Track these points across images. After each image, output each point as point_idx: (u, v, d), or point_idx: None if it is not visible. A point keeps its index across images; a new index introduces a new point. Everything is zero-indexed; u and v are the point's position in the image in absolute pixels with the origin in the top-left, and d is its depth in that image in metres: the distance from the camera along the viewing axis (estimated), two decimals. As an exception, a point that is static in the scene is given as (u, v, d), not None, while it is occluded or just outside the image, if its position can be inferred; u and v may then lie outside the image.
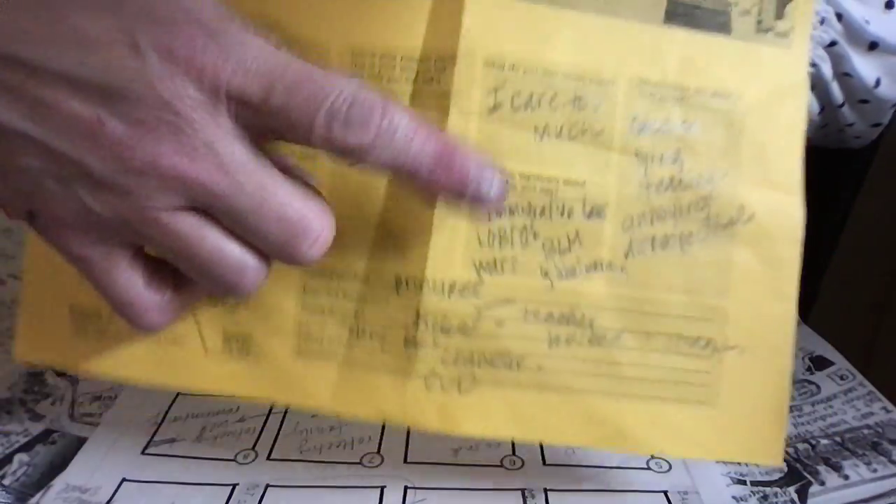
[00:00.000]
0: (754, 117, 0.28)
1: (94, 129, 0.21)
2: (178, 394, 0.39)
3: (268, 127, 0.22)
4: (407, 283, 0.28)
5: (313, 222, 0.23)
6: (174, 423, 0.37)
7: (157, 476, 0.33)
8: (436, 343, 0.28)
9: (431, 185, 0.23)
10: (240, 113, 0.22)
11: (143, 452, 0.35)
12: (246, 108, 0.21)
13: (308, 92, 0.21)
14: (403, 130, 0.22)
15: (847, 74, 0.41)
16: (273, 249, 0.23)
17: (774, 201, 0.28)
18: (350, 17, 0.28)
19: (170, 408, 0.38)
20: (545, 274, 0.28)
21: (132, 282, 0.24)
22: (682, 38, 0.28)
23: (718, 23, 0.29)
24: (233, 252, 0.23)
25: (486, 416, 0.28)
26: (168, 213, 0.22)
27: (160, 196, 0.22)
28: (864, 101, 0.42)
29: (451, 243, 0.28)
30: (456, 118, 0.27)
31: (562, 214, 0.28)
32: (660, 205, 0.28)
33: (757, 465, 0.34)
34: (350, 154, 0.22)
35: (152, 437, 0.36)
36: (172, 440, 0.36)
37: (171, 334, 0.29)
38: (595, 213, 0.28)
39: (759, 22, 0.29)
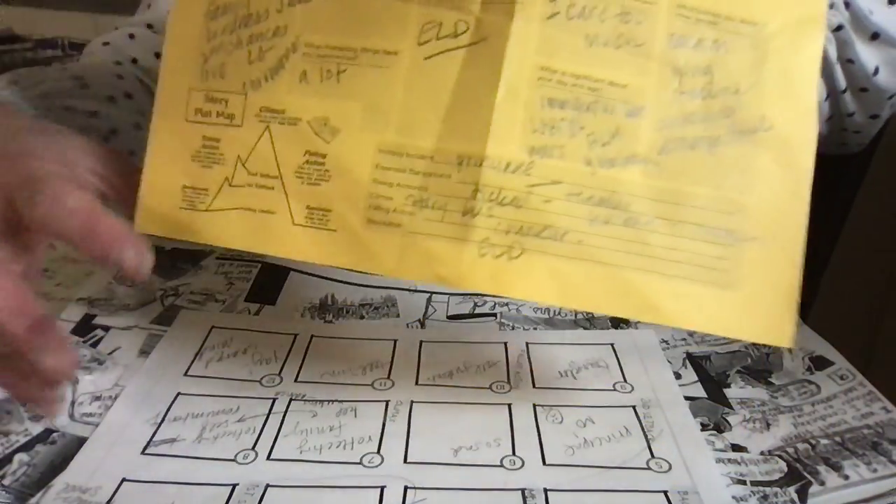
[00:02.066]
0: (777, 43, 0.32)
1: None
2: (178, 393, 0.39)
3: None
4: (468, 160, 0.32)
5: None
6: (174, 423, 0.37)
7: (157, 476, 0.33)
8: (491, 214, 0.32)
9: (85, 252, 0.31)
10: None
11: (143, 452, 0.35)
12: None
13: None
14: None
15: (850, 60, 0.44)
16: None
17: (792, 114, 0.32)
18: None
19: (170, 408, 0.38)
20: (588, 162, 0.32)
21: None
22: None
23: None
24: None
25: (532, 281, 0.32)
26: None
27: None
28: (864, 90, 0.45)
29: (508, 127, 0.32)
30: (520, 22, 0.32)
31: (605, 111, 0.32)
32: (691, 110, 0.32)
33: (767, 347, 0.37)
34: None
35: (152, 437, 0.36)
36: (172, 440, 0.36)
37: (264, 206, 0.34)
38: (634, 112, 0.32)
39: None
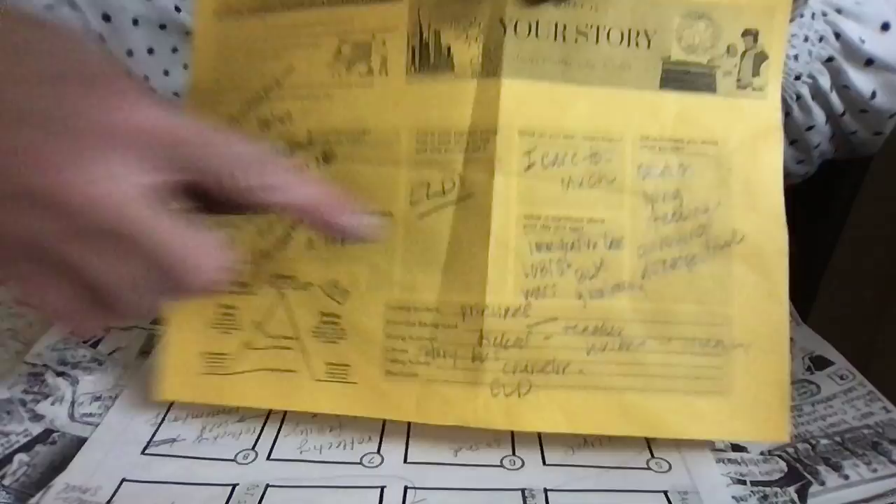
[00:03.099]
0: (739, 158, 0.35)
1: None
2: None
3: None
4: (471, 310, 0.34)
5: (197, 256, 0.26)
6: (174, 423, 0.37)
7: (157, 476, 0.33)
8: (497, 357, 0.34)
9: (314, 223, 0.28)
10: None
11: (143, 452, 0.35)
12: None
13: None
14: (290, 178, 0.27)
15: (845, 87, 0.45)
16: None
17: (761, 224, 0.34)
18: (415, 105, 0.35)
19: (170, 408, 0.38)
20: (579, 296, 0.34)
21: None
22: (676, 99, 0.35)
23: (705, 83, 0.35)
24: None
25: (542, 414, 0.34)
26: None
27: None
28: (864, 111, 0.46)
29: (503, 275, 0.34)
30: (500, 178, 0.34)
31: (588, 247, 0.34)
32: (666, 234, 0.34)
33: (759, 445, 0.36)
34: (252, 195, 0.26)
35: (152, 437, 0.36)
36: (172, 440, 0.36)
37: (285, 365, 0.36)
38: (615, 244, 0.34)
39: (739, 80, 0.35)
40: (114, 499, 0.32)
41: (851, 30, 0.43)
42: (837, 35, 0.43)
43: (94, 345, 0.43)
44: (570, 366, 0.34)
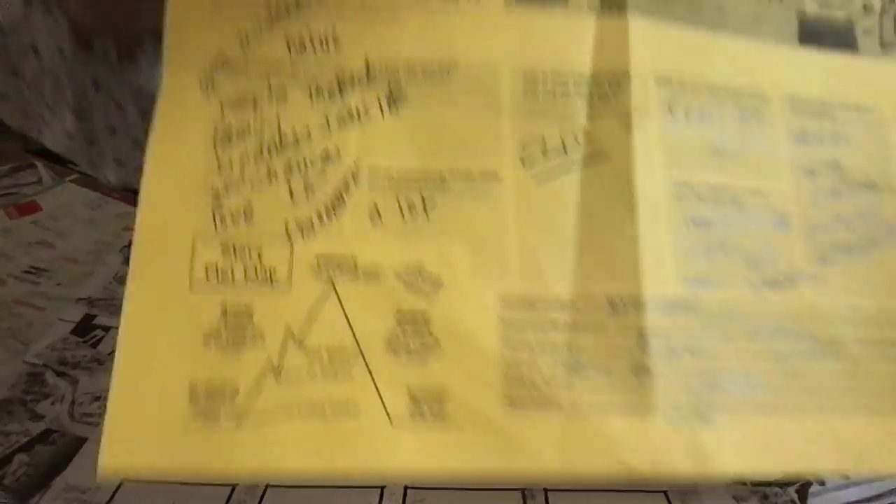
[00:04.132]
0: (894, 129, 0.30)
1: None
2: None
3: None
4: (624, 304, 0.26)
5: None
6: (174, 423, 0.37)
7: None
8: (668, 367, 0.25)
9: None
10: None
11: (143, 452, 0.35)
12: None
13: None
14: None
15: None
16: None
17: None
18: (519, 39, 0.28)
19: (170, 408, 0.38)
20: (752, 286, 0.27)
21: None
22: (818, 58, 0.30)
23: (846, 42, 0.30)
24: None
25: (738, 448, 0.25)
26: None
27: None
28: None
29: (659, 256, 0.26)
30: (640, 132, 0.27)
31: (754, 224, 0.28)
32: (832, 212, 0.28)
33: None
34: None
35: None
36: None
37: (340, 400, 0.24)
38: (782, 222, 0.28)
39: (882, 39, 0.31)
40: (114, 499, 0.32)
41: None
42: None
43: (94, 345, 0.43)
44: (762, 378, 0.26)
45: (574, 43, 0.28)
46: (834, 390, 0.26)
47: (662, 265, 0.26)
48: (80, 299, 0.48)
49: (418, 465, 0.24)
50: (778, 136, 0.29)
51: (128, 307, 0.24)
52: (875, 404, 0.26)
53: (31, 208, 0.60)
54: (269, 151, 0.26)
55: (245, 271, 0.25)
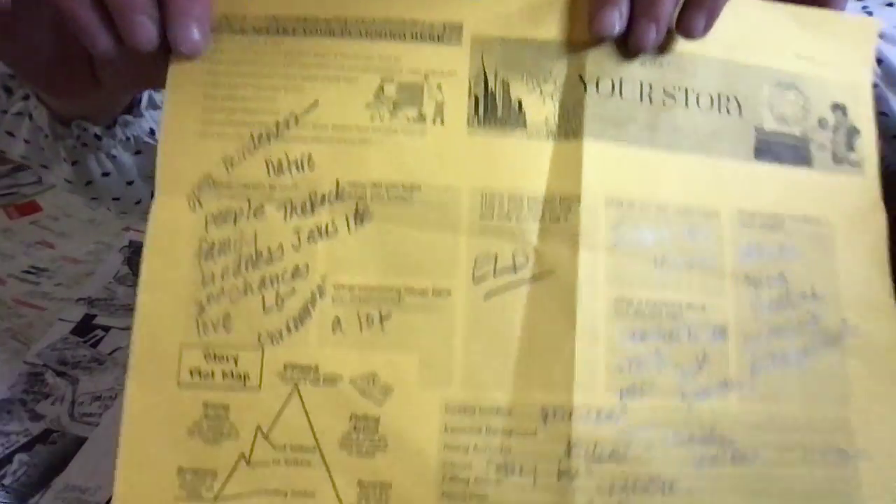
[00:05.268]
0: (842, 240, 0.31)
1: None
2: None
3: None
4: (555, 413, 0.28)
5: None
6: (174, 425, 0.37)
7: (156, 477, 0.33)
8: (590, 472, 0.28)
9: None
10: None
11: (142, 453, 0.35)
12: None
13: None
14: None
15: (883, 113, 0.43)
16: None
17: (873, 314, 0.31)
18: (480, 162, 0.30)
19: (170, 409, 0.38)
20: (682, 395, 0.29)
21: None
22: (771, 172, 0.31)
23: (800, 157, 0.32)
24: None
25: None
26: None
27: None
28: (895, 137, 0.45)
29: (593, 369, 0.28)
30: (586, 253, 0.29)
31: (689, 337, 0.30)
32: (774, 323, 0.30)
33: None
34: None
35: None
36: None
37: (299, 488, 0.28)
38: (718, 334, 0.30)
39: (834, 155, 0.32)
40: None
41: (894, 56, 0.41)
42: (880, 61, 0.41)
43: (94, 345, 0.43)
44: (678, 483, 0.28)
45: (531, 166, 0.30)
46: (746, 494, 0.29)
47: (595, 377, 0.28)
48: (80, 299, 0.48)
49: None
50: (725, 250, 0.30)
51: (127, 404, 0.28)
52: None
53: (31, 208, 0.60)
54: (247, 266, 0.29)
55: (223, 374, 0.28)
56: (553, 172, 0.30)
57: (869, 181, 0.32)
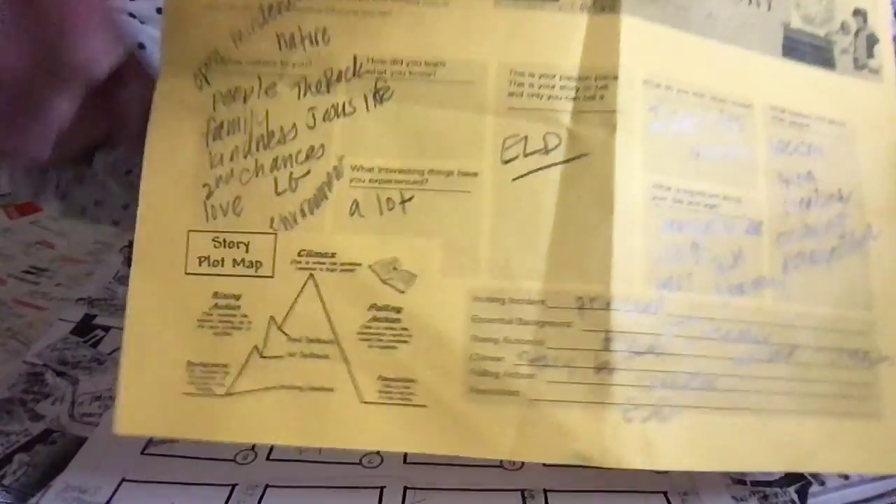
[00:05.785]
0: (863, 145, 0.31)
1: None
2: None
3: None
4: (592, 302, 0.27)
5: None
6: (174, 423, 0.37)
7: (156, 476, 0.33)
8: (629, 366, 0.26)
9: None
10: None
11: (143, 452, 0.35)
12: None
13: None
14: None
15: None
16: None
17: (893, 220, 0.31)
18: (508, 37, 0.28)
19: (170, 408, 0.38)
20: (719, 290, 0.28)
21: None
22: (798, 71, 0.31)
23: (825, 58, 0.32)
24: None
25: (689, 446, 0.27)
26: None
27: None
28: None
29: (631, 258, 0.27)
30: (623, 135, 0.28)
31: (725, 230, 0.28)
32: (804, 222, 0.30)
33: None
34: None
35: (152, 436, 0.36)
36: (172, 440, 0.36)
37: (317, 383, 0.26)
38: (753, 229, 0.29)
39: (856, 59, 0.32)
40: (113, 499, 0.32)
41: None
42: None
43: (95, 345, 0.43)
44: (720, 380, 0.27)
45: (563, 41, 0.28)
46: (783, 394, 0.28)
47: (633, 267, 0.27)
48: (80, 299, 0.48)
49: (384, 438, 0.26)
50: (758, 144, 0.30)
51: (131, 296, 0.27)
52: (819, 408, 0.28)
53: (31, 208, 0.60)
54: (258, 146, 0.28)
55: (234, 262, 0.27)
56: (587, 48, 0.28)
57: (887, 88, 0.32)
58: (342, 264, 0.27)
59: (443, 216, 0.27)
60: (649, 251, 0.27)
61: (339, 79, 0.28)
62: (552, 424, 0.26)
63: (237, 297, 0.27)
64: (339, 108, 0.28)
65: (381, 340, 0.27)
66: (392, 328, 0.27)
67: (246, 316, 0.27)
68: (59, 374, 0.40)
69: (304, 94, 0.28)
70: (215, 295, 0.27)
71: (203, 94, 0.28)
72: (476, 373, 0.26)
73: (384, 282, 0.27)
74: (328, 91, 0.27)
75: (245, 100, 0.28)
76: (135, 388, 0.27)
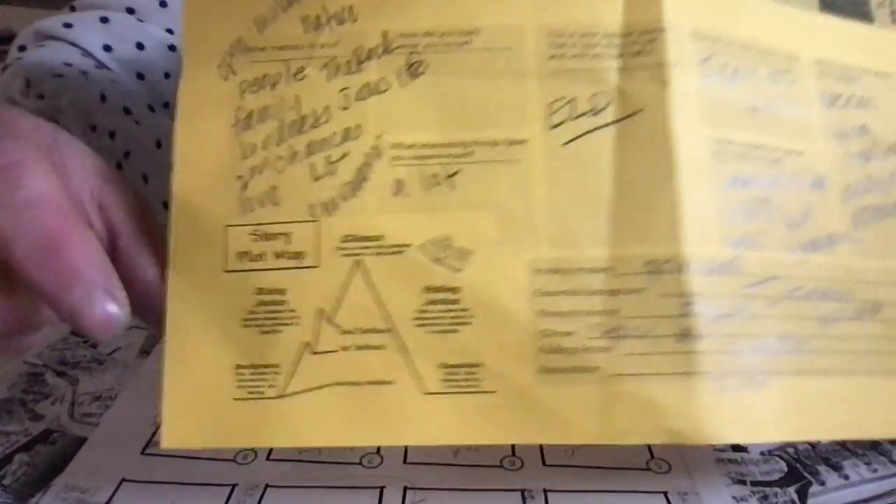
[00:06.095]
0: None
1: None
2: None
3: None
4: (665, 266, 0.25)
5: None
6: (174, 423, 0.37)
7: (156, 476, 0.33)
8: (714, 331, 0.25)
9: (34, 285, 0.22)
10: None
11: (143, 452, 0.35)
12: None
13: None
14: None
15: None
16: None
17: None
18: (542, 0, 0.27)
19: (170, 408, 0.38)
20: (792, 248, 0.27)
21: None
22: (837, 25, 0.30)
23: (862, 11, 0.31)
24: None
25: (789, 414, 0.25)
26: None
27: None
28: None
29: (701, 216, 0.25)
30: (676, 88, 0.26)
31: (792, 185, 0.27)
32: (865, 175, 0.28)
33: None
34: None
35: (152, 437, 0.36)
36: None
37: (375, 376, 0.25)
38: (819, 183, 0.28)
39: (892, 12, 0.31)
40: (113, 499, 0.32)
41: None
42: None
43: (95, 345, 0.43)
44: (807, 343, 0.26)
45: (602, 0, 0.27)
46: (873, 353, 0.26)
47: (704, 226, 0.25)
48: (80, 299, 0.48)
49: (452, 430, 0.24)
50: (810, 98, 0.28)
51: (171, 300, 0.26)
52: None
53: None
54: (291, 133, 0.27)
55: (276, 254, 0.26)
56: (629, 4, 0.27)
57: None
58: (390, 246, 0.25)
59: (493, 188, 0.26)
60: (719, 208, 0.26)
61: (369, 57, 0.27)
62: (638, 401, 0.24)
63: (282, 292, 0.26)
64: (373, 86, 0.27)
65: (439, 325, 0.25)
66: (451, 310, 0.25)
67: (293, 311, 0.25)
68: (59, 374, 0.40)
69: (335, 76, 0.27)
70: (259, 291, 0.26)
71: (229, 84, 0.27)
72: (546, 350, 0.25)
73: (437, 261, 0.25)
74: (359, 70, 0.26)
75: (273, 87, 0.27)
76: (181, 397, 0.25)
